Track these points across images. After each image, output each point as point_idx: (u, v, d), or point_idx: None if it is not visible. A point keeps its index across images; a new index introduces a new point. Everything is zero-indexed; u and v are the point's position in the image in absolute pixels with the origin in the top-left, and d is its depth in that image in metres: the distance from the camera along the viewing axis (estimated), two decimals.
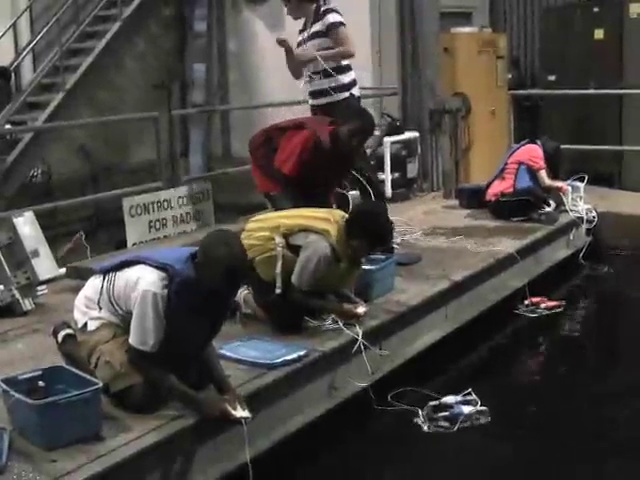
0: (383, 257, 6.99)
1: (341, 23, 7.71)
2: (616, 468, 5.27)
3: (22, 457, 4.24)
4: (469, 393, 5.89)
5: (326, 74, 7.79)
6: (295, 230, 5.97)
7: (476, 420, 5.69)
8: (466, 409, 5.74)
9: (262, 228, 6.06)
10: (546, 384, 6.89)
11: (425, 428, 5.63)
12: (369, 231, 5.89)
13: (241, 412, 4.70)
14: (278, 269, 5.89)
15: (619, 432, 5.77)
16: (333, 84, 7.81)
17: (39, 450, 4.29)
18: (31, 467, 4.14)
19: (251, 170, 7.50)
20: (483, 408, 5.75)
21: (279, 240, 5.92)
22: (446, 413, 5.74)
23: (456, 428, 5.60)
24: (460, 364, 6.83)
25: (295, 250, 5.92)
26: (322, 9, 7.74)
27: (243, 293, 6.22)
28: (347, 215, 6.07)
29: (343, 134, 6.95)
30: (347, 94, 7.86)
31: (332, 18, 7.70)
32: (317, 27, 7.79)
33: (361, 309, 6.04)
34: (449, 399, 5.86)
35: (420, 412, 5.76)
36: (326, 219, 5.97)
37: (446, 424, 5.66)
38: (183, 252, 4.81)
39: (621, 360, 7.45)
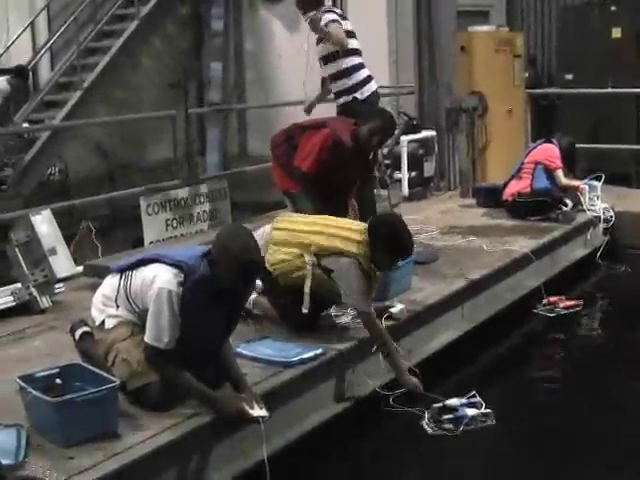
0: None
1: (333, 21, 7.85)
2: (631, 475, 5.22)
3: (39, 454, 4.25)
4: (474, 395, 5.86)
5: (333, 78, 8.06)
6: (327, 252, 5.81)
7: (481, 423, 5.66)
8: (470, 412, 5.70)
9: (291, 243, 5.92)
10: (562, 385, 6.86)
11: (429, 430, 5.61)
12: (393, 247, 5.80)
13: (258, 411, 4.70)
14: (307, 288, 5.80)
15: (636, 438, 5.70)
16: (341, 88, 8.05)
17: (56, 447, 4.31)
18: (48, 464, 4.15)
19: (269, 168, 7.53)
20: (488, 411, 5.71)
21: (309, 259, 5.82)
22: (450, 416, 5.71)
23: (460, 431, 5.57)
24: (475, 364, 6.80)
25: (325, 270, 5.81)
26: (320, 13, 7.84)
27: (253, 296, 6.13)
28: (367, 227, 5.91)
29: (363, 134, 7.00)
30: (350, 97, 7.97)
31: (324, 20, 7.82)
32: (317, 35, 7.99)
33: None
34: (453, 401, 5.82)
35: (425, 414, 5.72)
36: (359, 241, 5.79)
37: (450, 426, 5.63)
38: (198, 250, 4.83)
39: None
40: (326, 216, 6.26)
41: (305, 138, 7.16)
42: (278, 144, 7.41)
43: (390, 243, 5.76)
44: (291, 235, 5.98)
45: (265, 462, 4.58)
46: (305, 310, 5.83)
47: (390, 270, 6.29)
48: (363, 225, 5.95)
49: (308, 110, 8.51)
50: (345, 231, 5.90)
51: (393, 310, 6.26)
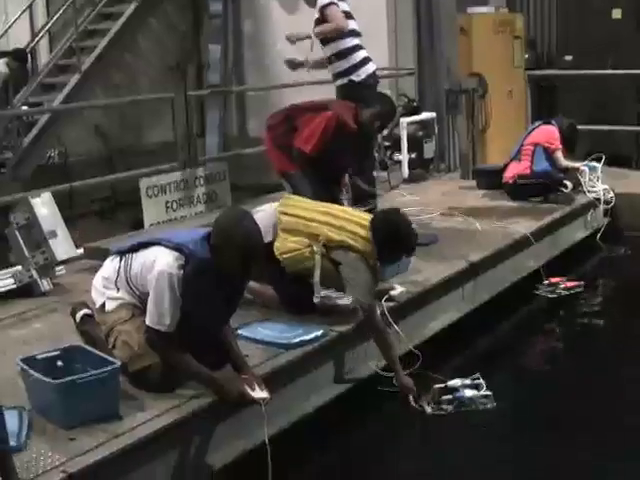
0: None
1: (331, 3, 7.83)
2: (629, 457, 5.19)
3: (41, 436, 4.27)
4: (477, 377, 5.87)
5: (330, 60, 8.08)
6: (336, 244, 5.82)
7: (481, 405, 5.67)
8: (471, 393, 5.72)
9: (301, 232, 5.90)
10: (562, 367, 6.87)
11: (429, 410, 5.62)
12: (397, 246, 5.85)
13: (259, 393, 4.71)
14: (317, 277, 5.80)
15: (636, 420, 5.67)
16: (336, 70, 8.07)
17: (58, 429, 4.32)
18: (50, 446, 4.17)
19: (267, 150, 7.51)
20: (488, 392, 5.72)
21: (318, 249, 5.82)
22: (449, 397, 5.73)
23: (453, 411, 5.59)
24: (475, 345, 6.81)
25: (332, 261, 5.82)
26: None
27: None
28: (371, 224, 5.88)
29: (365, 118, 7.01)
30: (346, 80, 7.97)
31: (321, 1, 7.82)
32: (315, 15, 7.98)
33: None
34: (455, 382, 5.83)
35: (425, 395, 5.74)
36: (364, 237, 5.78)
37: (449, 408, 5.64)
38: (199, 233, 4.82)
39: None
40: (332, 205, 6.28)
41: (305, 119, 7.16)
42: (276, 125, 7.40)
43: (394, 242, 5.79)
44: (301, 224, 5.95)
45: (266, 443, 4.58)
46: (316, 300, 5.83)
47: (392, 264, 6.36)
48: (369, 219, 5.92)
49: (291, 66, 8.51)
50: (352, 225, 5.88)
51: (393, 292, 6.27)
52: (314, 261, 5.80)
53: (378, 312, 5.78)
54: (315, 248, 5.81)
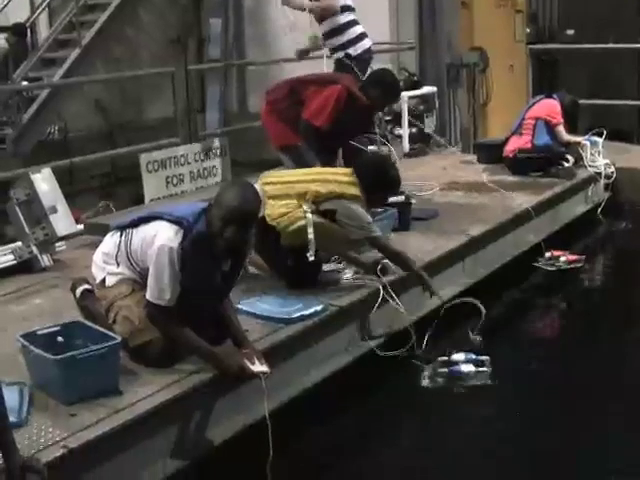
0: (380, 210, 7.02)
1: None
2: (627, 429, 5.22)
3: (42, 412, 4.28)
4: (480, 352, 5.89)
5: (327, 35, 8.22)
6: (325, 197, 5.92)
7: (481, 379, 5.69)
8: (465, 368, 5.75)
9: (288, 195, 5.96)
10: (562, 340, 6.90)
11: (426, 382, 5.65)
12: (383, 183, 6.04)
13: (259, 367, 4.71)
14: (310, 235, 5.83)
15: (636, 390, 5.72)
16: (334, 45, 8.19)
17: (58, 405, 4.33)
18: (51, 421, 4.17)
19: (266, 123, 7.52)
20: (484, 369, 5.75)
21: (307, 207, 5.87)
22: (445, 370, 5.77)
23: (461, 386, 5.64)
24: (476, 319, 6.82)
25: (325, 215, 5.90)
26: None
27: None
28: (354, 168, 6.09)
29: (373, 95, 7.07)
30: (342, 54, 8.00)
31: None
32: None
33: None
34: (458, 356, 5.86)
35: (425, 367, 5.80)
36: (351, 182, 5.94)
37: (450, 381, 5.69)
38: (199, 206, 4.81)
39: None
40: (312, 168, 6.45)
41: (312, 93, 7.17)
42: (279, 99, 7.39)
43: (379, 180, 5.99)
44: (285, 187, 6.03)
45: (267, 417, 4.59)
46: (311, 257, 5.84)
47: (382, 207, 6.62)
48: (348, 169, 6.14)
49: (300, 56, 8.58)
50: (337, 175, 6.09)
51: (385, 261, 6.24)
52: (306, 220, 5.84)
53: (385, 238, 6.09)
54: (305, 207, 5.88)
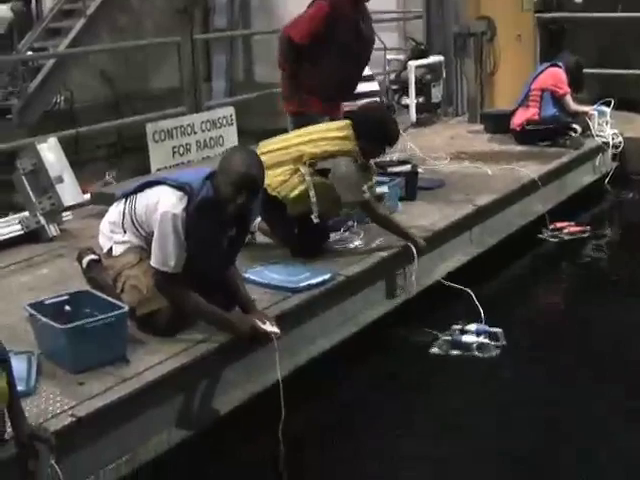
0: (387, 179, 7.00)
1: None
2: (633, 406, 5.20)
3: (50, 380, 4.29)
4: (492, 324, 5.88)
5: None
6: (320, 158, 5.92)
7: (489, 351, 5.69)
8: (471, 339, 5.75)
9: (283, 162, 5.94)
10: (565, 314, 6.89)
11: (435, 350, 5.70)
12: (379, 133, 5.96)
13: (270, 327, 4.72)
14: (313, 198, 5.83)
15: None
16: None
17: (66, 373, 4.34)
18: (59, 390, 4.19)
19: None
20: (486, 341, 5.74)
21: (305, 170, 5.87)
22: (448, 338, 5.81)
23: (466, 356, 5.65)
24: (481, 289, 6.80)
25: (324, 173, 5.90)
26: None
27: (257, 220, 6.05)
28: (352, 119, 6.05)
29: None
30: None
31: None
32: None
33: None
34: (471, 327, 5.86)
35: (439, 336, 5.83)
36: (344, 137, 5.91)
37: (458, 351, 5.71)
38: (205, 171, 4.78)
39: None
40: (304, 128, 6.34)
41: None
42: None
43: (376, 130, 5.93)
44: (280, 154, 6.00)
45: (279, 381, 4.60)
46: (316, 220, 5.85)
47: (380, 157, 6.49)
48: (344, 122, 6.09)
49: None
50: (330, 132, 6.05)
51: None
52: (306, 183, 5.84)
53: (375, 202, 6.04)
54: (302, 170, 5.88)
